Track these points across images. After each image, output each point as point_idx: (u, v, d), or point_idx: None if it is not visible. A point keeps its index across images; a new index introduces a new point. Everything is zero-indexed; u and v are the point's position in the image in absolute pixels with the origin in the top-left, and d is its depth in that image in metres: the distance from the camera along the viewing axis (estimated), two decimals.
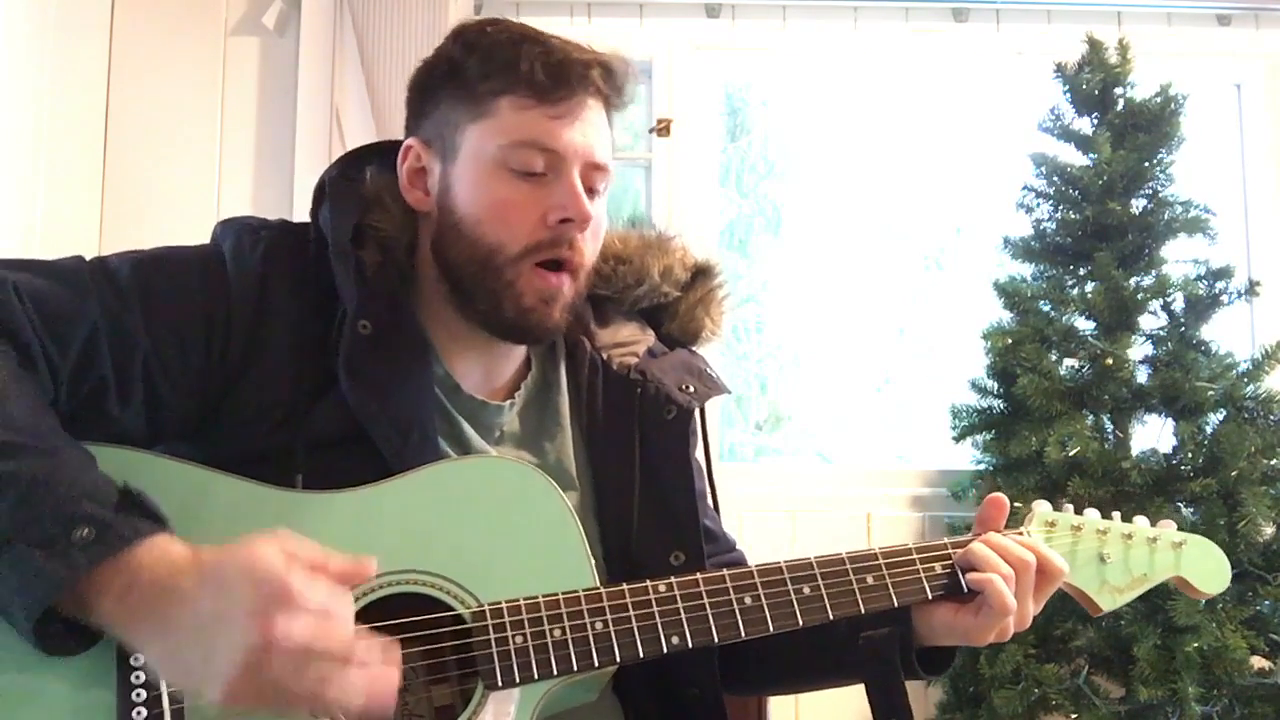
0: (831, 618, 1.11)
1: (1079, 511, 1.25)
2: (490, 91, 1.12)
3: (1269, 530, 2.57)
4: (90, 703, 0.93)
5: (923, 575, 1.14)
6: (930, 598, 1.14)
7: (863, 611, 1.12)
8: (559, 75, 1.11)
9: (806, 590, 1.11)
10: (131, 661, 0.94)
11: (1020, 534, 1.20)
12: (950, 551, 1.16)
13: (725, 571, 1.10)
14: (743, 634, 1.08)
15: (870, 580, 1.13)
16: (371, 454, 1.08)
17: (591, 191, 1.15)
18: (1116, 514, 1.26)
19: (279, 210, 2.35)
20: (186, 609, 0.87)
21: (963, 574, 1.15)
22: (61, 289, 1.04)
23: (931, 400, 3.35)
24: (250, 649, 0.84)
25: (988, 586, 1.11)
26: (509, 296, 1.13)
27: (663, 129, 3.23)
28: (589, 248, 1.17)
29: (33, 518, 0.88)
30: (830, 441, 3.88)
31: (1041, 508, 1.23)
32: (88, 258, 1.10)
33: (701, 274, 1.31)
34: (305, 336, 1.11)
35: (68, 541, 0.87)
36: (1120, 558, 1.23)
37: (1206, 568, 1.26)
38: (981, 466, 2.88)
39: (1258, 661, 2.55)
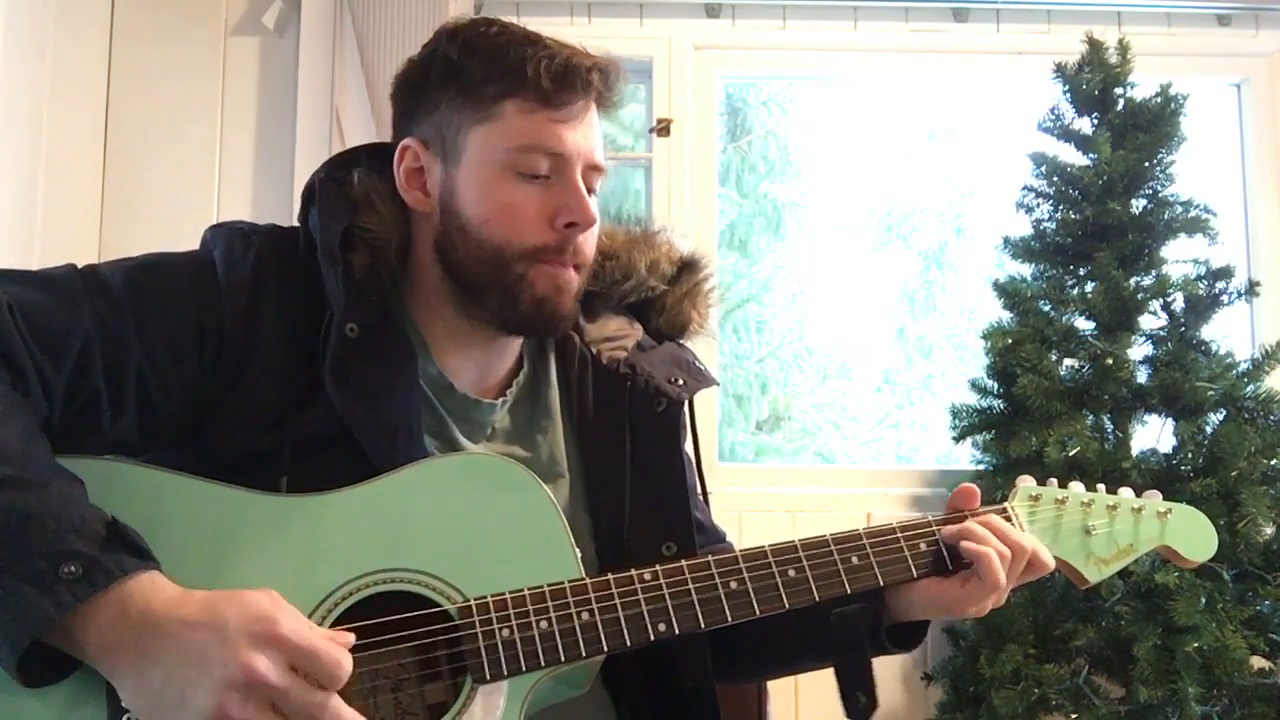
0: (818, 599, 1.11)
1: (1063, 485, 1.25)
2: (495, 95, 1.13)
3: (1269, 530, 2.56)
4: None
5: (907, 553, 1.15)
6: (915, 576, 1.15)
7: (849, 591, 1.12)
8: (564, 80, 1.13)
9: (791, 573, 1.11)
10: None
11: (1004, 509, 1.21)
12: (935, 529, 1.17)
13: (710, 558, 1.10)
14: (729, 619, 1.08)
15: (855, 560, 1.13)
16: (358, 456, 1.09)
17: (590, 191, 1.17)
18: (1101, 486, 1.26)
19: (278, 211, 2.36)
20: (172, 645, 0.89)
21: (948, 550, 1.16)
22: (54, 301, 1.04)
23: (931, 400, 3.35)
24: (229, 684, 0.87)
25: (983, 558, 1.13)
26: (523, 289, 1.15)
27: (663, 129, 3.23)
28: (589, 246, 1.19)
29: (21, 553, 0.88)
30: (830, 441, 3.88)
31: (1025, 483, 1.24)
32: (79, 265, 1.10)
33: (688, 268, 1.32)
34: (296, 341, 1.11)
35: (55, 577, 0.88)
36: (1105, 529, 1.23)
37: (1193, 536, 1.26)
38: (981, 466, 2.87)
39: (1258, 661, 2.54)
